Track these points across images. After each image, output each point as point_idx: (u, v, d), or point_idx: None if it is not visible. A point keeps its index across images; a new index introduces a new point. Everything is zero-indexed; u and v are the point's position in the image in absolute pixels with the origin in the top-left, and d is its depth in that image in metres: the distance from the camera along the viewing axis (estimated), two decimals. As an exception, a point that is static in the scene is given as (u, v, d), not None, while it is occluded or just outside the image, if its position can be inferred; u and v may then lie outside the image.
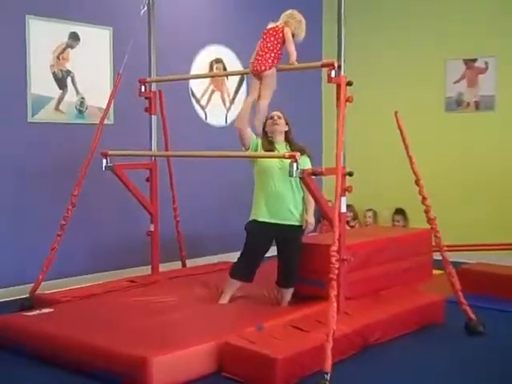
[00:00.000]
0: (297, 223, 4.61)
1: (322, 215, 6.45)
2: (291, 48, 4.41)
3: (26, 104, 5.67)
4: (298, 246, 4.61)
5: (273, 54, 4.40)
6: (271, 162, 4.55)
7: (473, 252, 6.57)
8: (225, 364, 3.72)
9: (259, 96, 4.44)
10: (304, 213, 4.64)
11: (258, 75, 4.43)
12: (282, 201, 4.55)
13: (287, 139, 4.70)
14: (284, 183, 4.53)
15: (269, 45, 4.41)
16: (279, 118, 4.65)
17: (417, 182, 4.70)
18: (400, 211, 7.59)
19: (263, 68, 4.39)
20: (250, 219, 4.66)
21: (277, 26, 4.44)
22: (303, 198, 4.62)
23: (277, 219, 4.57)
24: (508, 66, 7.02)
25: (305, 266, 4.61)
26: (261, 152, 4.63)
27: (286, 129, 4.69)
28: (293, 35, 4.44)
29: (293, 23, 4.44)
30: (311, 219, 4.67)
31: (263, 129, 4.69)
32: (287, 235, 4.59)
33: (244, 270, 4.64)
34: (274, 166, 4.54)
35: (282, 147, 4.64)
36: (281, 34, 4.40)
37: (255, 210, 4.64)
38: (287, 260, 4.60)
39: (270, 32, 4.43)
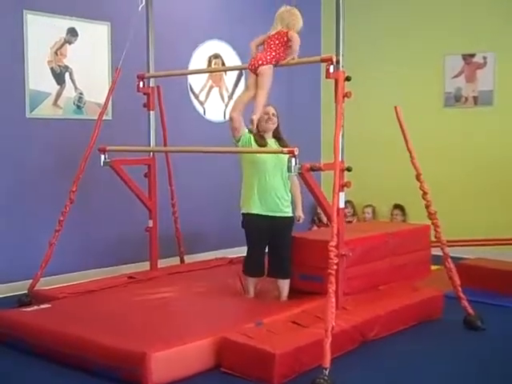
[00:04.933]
0: (288, 214, 4.71)
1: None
2: (296, 47, 4.43)
3: (24, 99, 5.66)
4: (290, 236, 4.72)
5: (273, 53, 4.43)
6: (265, 155, 4.62)
7: (472, 247, 6.57)
8: (223, 359, 3.72)
9: (255, 94, 4.45)
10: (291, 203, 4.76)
11: (255, 70, 4.44)
12: (275, 193, 4.63)
13: (275, 134, 4.77)
14: (276, 177, 4.63)
15: (272, 46, 4.44)
16: (273, 115, 4.71)
17: (417, 177, 4.69)
18: (398, 206, 7.60)
19: (260, 62, 4.41)
20: (244, 212, 4.72)
21: (281, 31, 4.45)
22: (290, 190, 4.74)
23: (270, 211, 4.64)
24: (506, 60, 7.01)
25: (303, 262, 4.63)
26: (260, 148, 4.65)
27: (276, 125, 4.77)
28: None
29: (291, 22, 4.44)
30: (301, 212, 4.86)
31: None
32: (280, 227, 4.67)
33: (253, 267, 4.71)
34: (268, 159, 4.61)
35: (272, 142, 4.74)
36: (285, 38, 4.43)
37: (247, 203, 4.69)
38: (281, 250, 4.67)
39: (275, 36, 4.46)
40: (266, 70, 4.41)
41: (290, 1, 4.62)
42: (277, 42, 4.44)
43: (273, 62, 4.43)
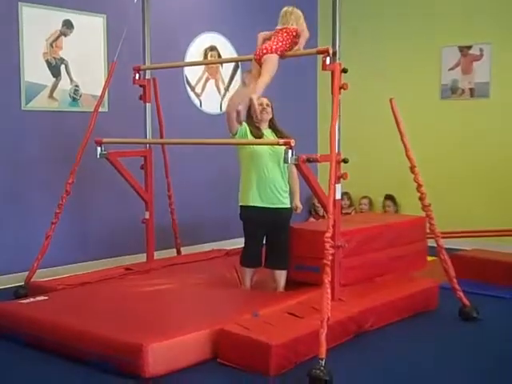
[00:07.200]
0: (287, 206, 4.72)
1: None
2: (302, 44, 4.52)
3: (20, 92, 5.64)
4: (288, 227, 4.73)
5: (280, 44, 4.44)
6: (263, 147, 4.62)
7: (469, 239, 6.59)
8: (220, 351, 3.73)
9: (259, 76, 4.41)
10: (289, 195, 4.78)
11: (259, 59, 4.42)
12: (273, 185, 4.64)
13: (271, 125, 4.78)
14: (274, 168, 4.63)
15: (280, 38, 4.47)
16: (267, 105, 4.71)
17: (412, 169, 4.70)
18: (390, 197, 7.63)
19: (265, 51, 4.40)
20: (242, 204, 4.72)
21: (289, 27, 4.51)
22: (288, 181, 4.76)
23: (269, 203, 4.65)
24: (503, 52, 7.01)
25: (300, 253, 4.64)
26: (257, 140, 4.65)
27: (271, 116, 4.77)
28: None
29: (294, 21, 4.52)
30: (299, 202, 4.89)
31: (249, 114, 4.71)
32: (279, 218, 4.68)
33: (251, 258, 4.74)
34: (265, 151, 4.61)
35: (268, 133, 4.74)
36: (294, 34, 4.48)
37: (246, 196, 4.69)
38: (279, 242, 4.69)
39: (284, 30, 4.50)
40: (271, 57, 4.39)
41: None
42: (285, 34, 4.48)
43: (278, 52, 4.42)
